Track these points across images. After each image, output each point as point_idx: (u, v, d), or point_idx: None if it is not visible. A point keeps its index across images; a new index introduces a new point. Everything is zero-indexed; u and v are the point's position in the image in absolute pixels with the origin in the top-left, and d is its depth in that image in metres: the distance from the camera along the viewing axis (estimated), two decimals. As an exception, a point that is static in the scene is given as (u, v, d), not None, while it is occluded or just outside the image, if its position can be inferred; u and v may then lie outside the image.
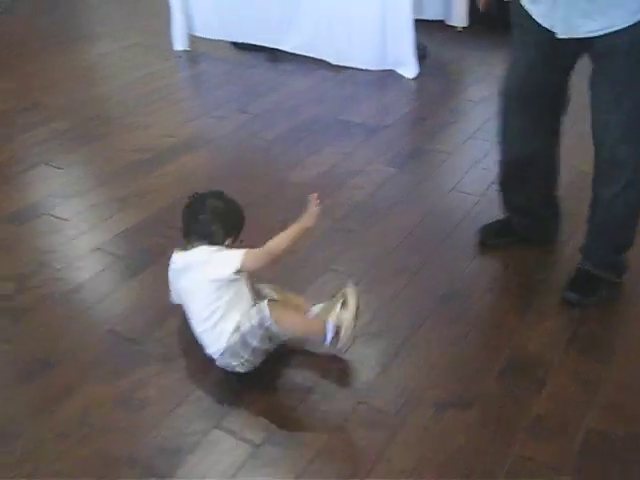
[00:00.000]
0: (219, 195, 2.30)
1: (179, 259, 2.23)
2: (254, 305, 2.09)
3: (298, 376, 2.14)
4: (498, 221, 2.76)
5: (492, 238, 2.73)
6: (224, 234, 2.22)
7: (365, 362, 2.18)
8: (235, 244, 2.25)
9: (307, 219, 2.16)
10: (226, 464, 1.86)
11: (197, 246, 2.19)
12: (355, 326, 2.10)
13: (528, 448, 1.89)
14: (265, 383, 2.11)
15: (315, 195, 2.18)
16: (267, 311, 2.02)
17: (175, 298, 2.30)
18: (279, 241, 2.10)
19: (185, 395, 2.07)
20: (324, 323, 2.06)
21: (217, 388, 2.10)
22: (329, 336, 2.05)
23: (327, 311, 2.10)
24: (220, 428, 1.96)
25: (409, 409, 2.00)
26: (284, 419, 1.99)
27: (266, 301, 2.07)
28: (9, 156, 3.61)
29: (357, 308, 2.10)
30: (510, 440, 1.91)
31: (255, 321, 2.03)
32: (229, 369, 2.10)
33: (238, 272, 2.08)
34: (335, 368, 2.17)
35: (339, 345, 2.07)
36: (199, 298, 2.12)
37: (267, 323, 2.02)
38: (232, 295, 2.10)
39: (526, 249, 2.68)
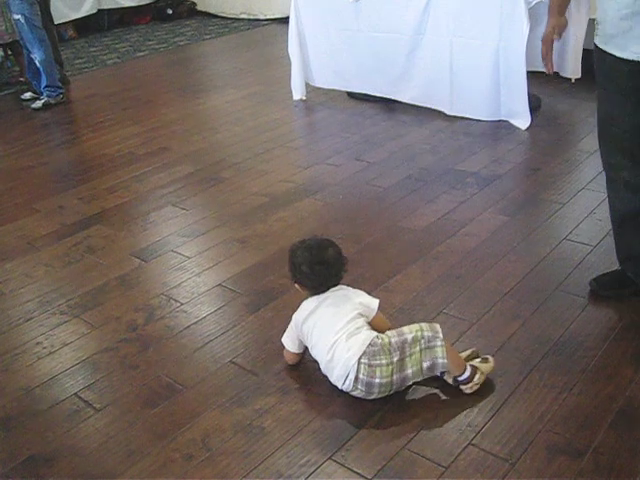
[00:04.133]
0: (330, 243, 2.40)
1: (313, 301, 2.35)
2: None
3: (412, 413, 2.20)
4: (612, 272, 2.75)
5: (606, 289, 2.72)
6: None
7: (477, 405, 2.21)
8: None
9: None
10: (339, 495, 1.93)
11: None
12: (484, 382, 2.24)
13: (642, 499, 1.87)
14: (379, 420, 2.18)
15: None
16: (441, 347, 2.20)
17: (297, 345, 2.39)
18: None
19: (302, 426, 2.16)
20: (466, 363, 2.24)
21: (333, 421, 2.18)
22: (466, 374, 2.22)
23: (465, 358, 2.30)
24: (334, 460, 2.03)
25: (520, 453, 2.02)
26: (395, 455, 2.05)
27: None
28: (137, 197, 3.88)
29: (492, 370, 2.30)
30: (624, 490, 1.90)
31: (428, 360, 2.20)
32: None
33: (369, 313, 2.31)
34: (448, 408, 2.21)
35: (467, 387, 2.22)
36: (342, 315, 2.26)
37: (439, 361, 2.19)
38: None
39: (641, 301, 2.66)
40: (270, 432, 2.15)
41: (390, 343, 2.18)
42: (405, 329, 2.22)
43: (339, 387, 2.24)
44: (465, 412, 2.19)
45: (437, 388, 2.28)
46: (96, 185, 4.05)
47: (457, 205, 3.51)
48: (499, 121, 4.55)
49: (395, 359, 2.16)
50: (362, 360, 2.16)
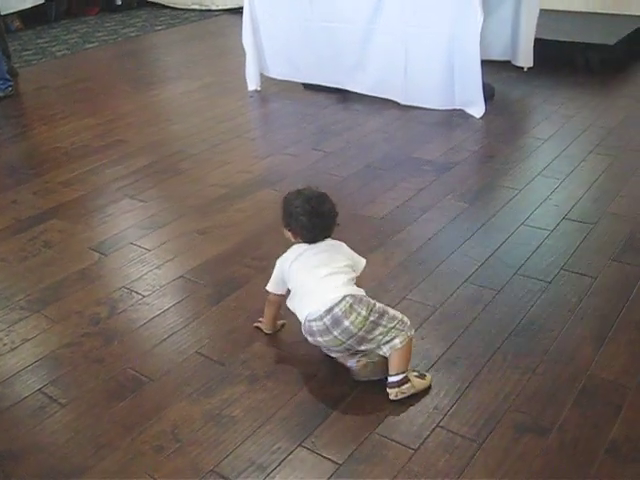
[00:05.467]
0: (327, 196, 2.42)
1: (304, 246, 2.38)
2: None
3: (379, 398, 2.22)
4: None
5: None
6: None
7: (443, 388, 2.24)
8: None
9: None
10: (310, 481, 1.95)
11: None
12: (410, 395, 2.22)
13: (605, 474, 1.92)
14: (347, 405, 2.20)
15: None
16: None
17: (281, 287, 2.42)
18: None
19: (271, 414, 2.16)
20: (406, 370, 2.23)
21: (302, 408, 2.19)
22: (398, 378, 2.20)
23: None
24: (304, 446, 2.04)
25: (487, 433, 2.06)
26: (366, 439, 2.06)
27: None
28: (93, 190, 3.82)
29: (425, 389, 2.24)
30: (588, 466, 1.95)
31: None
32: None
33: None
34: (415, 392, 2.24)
35: (393, 391, 2.20)
36: (336, 260, 2.32)
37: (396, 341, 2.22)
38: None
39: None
40: (239, 421, 2.15)
41: (375, 304, 2.23)
42: (389, 307, 2.29)
43: (303, 316, 2.27)
44: (431, 395, 2.22)
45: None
46: (51, 179, 3.97)
47: (416, 193, 3.55)
48: (453, 110, 4.59)
49: (371, 319, 2.19)
50: (347, 298, 2.20)
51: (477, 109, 4.49)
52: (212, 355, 2.45)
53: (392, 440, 2.06)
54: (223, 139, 4.44)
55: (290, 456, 2.02)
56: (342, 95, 5.01)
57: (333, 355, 2.34)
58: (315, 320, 2.23)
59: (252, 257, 3.03)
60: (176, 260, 3.08)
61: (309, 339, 2.31)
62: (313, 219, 2.34)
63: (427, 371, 2.30)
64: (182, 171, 3.99)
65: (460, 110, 4.58)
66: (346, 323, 2.19)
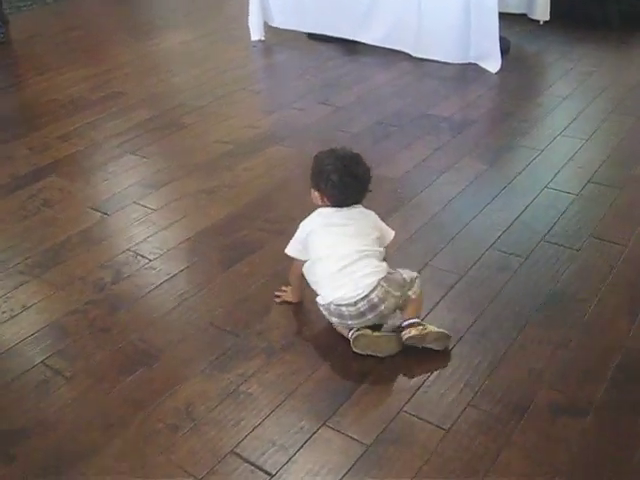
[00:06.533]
0: (361, 158, 2.27)
1: (329, 211, 2.23)
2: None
3: (408, 375, 2.09)
4: None
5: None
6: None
7: (473, 363, 2.12)
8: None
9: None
10: (336, 464, 1.82)
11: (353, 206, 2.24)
12: (423, 339, 2.13)
13: (649, 458, 1.81)
14: (372, 381, 2.07)
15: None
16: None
17: (304, 253, 2.25)
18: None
19: (291, 391, 2.03)
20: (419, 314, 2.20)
21: (324, 384, 2.06)
22: (413, 320, 2.14)
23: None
24: (329, 426, 1.92)
25: (521, 413, 1.94)
26: (393, 419, 1.94)
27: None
28: (92, 145, 3.64)
29: (436, 335, 2.13)
30: (629, 449, 1.83)
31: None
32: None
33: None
34: (442, 368, 2.11)
35: (406, 331, 2.12)
36: (364, 233, 2.19)
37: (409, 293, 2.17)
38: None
39: (631, 250, 2.59)
40: (258, 398, 2.02)
41: (404, 279, 2.17)
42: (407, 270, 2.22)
43: (328, 298, 2.13)
44: (461, 370, 2.10)
45: (427, 348, 2.16)
46: (47, 133, 3.77)
47: (432, 152, 3.38)
48: (467, 64, 4.40)
49: (398, 294, 2.14)
50: (382, 282, 2.10)
51: (493, 63, 4.29)
52: (225, 325, 2.30)
53: (422, 419, 1.93)
54: (227, 92, 4.23)
55: (314, 436, 1.89)
56: (349, 46, 4.79)
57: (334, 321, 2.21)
58: (348, 305, 2.10)
59: (264, 219, 2.87)
60: (183, 221, 2.92)
61: (333, 320, 2.18)
62: (345, 178, 2.18)
63: (455, 344, 2.18)
64: (185, 126, 3.81)
65: (474, 65, 4.38)
66: (382, 307, 2.11)
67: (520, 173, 3.15)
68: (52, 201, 3.09)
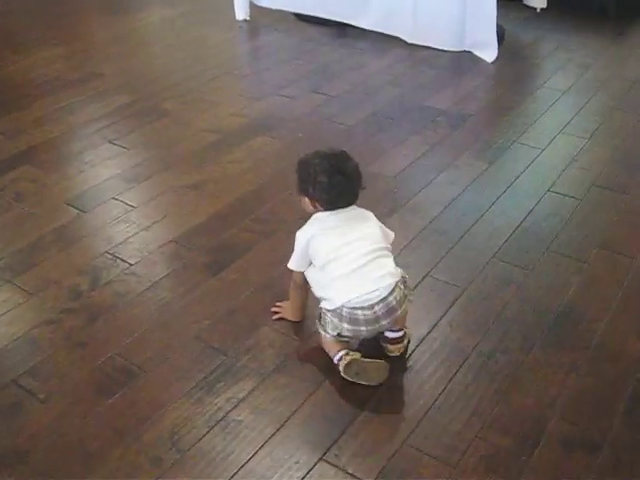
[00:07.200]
0: (348, 155, 2.11)
1: (326, 214, 2.06)
2: None
3: (410, 402, 1.95)
4: None
5: None
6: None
7: (480, 388, 1.97)
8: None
9: None
10: (335, 504, 1.68)
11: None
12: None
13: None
14: (373, 408, 1.92)
15: None
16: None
17: (306, 263, 2.08)
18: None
19: (285, 418, 1.88)
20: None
21: (321, 411, 1.90)
22: (401, 333, 2.06)
23: None
24: (326, 460, 1.77)
25: (533, 446, 1.80)
26: (395, 453, 1.79)
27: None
28: (69, 131, 3.44)
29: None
30: (650, 491, 1.71)
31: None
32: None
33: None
34: (447, 392, 1.96)
35: (396, 347, 2.07)
36: (371, 233, 2.05)
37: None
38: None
39: None
40: (249, 426, 1.86)
41: (405, 279, 2.06)
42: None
43: (340, 301, 1.95)
44: (467, 397, 1.96)
45: (431, 371, 2.02)
46: (20, 117, 3.55)
47: (430, 148, 3.22)
48: (462, 52, 4.23)
49: (411, 298, 2.09)
50: (399, 284, 1.99)
51: (489, 52, 4.13)
52: (212, 341, 2.14)
53: (427, 454, 1.79)
54: (212, 76, 4.03)
55: (311, 472, 1.75)
56: (340, 29, 4.59)
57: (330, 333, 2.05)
58: (364, 309, 1.94)
59: (252, 219, 2.70)
60: (165, 221, 2.74)
61: (345, 327, 1.98)
62: (334, 177, 2.01)
63: (460, 367, 2.05)
64: (167, 112, 3.61)
65: (469, 53, 4.22)
66: (398, 312, 1.98)
67: (521, 174, 3.00)
68: (24, 195, 2.89)
